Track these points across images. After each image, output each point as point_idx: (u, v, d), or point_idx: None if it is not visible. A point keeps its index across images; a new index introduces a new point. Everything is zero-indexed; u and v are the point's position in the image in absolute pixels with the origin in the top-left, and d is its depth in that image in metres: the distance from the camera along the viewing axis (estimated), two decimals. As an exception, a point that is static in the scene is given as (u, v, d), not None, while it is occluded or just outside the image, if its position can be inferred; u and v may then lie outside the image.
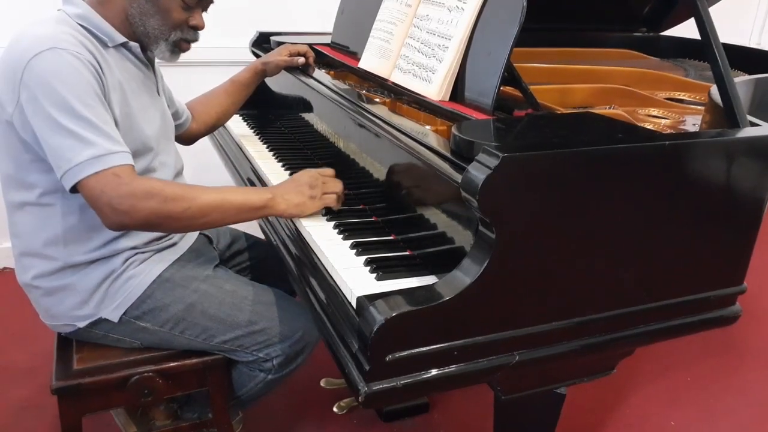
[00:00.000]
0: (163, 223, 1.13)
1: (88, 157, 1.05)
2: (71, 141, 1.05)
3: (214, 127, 1.68)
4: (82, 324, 1.24)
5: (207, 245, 1.47)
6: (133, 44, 1.23)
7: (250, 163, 1.64)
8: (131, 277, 1.23)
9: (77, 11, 1.16)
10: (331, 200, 1.25)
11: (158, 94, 1.34)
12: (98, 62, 1.12)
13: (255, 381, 1.36)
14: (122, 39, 1.20)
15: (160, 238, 1.29)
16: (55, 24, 1.12)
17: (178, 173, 1.37)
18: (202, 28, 1.28)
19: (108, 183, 1.06)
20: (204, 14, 1.29)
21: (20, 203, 1.19)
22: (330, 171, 1.29)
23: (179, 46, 1.27)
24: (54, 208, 1.16)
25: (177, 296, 1.26)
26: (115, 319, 1.23)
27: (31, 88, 1.05)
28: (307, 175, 1.25)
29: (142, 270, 1.24)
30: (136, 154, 1.19)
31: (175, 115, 1.50)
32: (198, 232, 1.44)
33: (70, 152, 1.05)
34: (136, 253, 1.24)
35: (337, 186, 1.26)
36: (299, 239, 1.22)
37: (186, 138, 1.60)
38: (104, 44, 1.18)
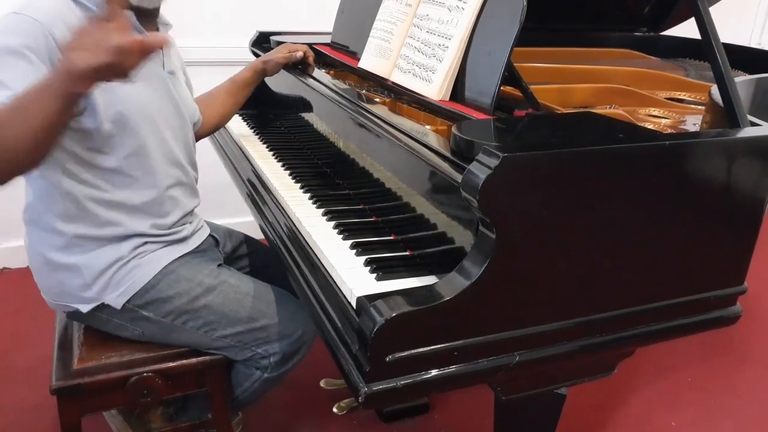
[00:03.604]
0: None
1: None
2: None
3: (216, 127, 1.68)
4: (84, 307, 1.24)
5: (213, 247, 1.47)
6: (128, 12, 1.10)
7: (250, 163, 1.64)
8: (137, 266, 1.24)
9: None
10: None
11: (163, 68, 1.29)
12: (68, 28, 1.03)
13: (251, 380, 1.36)
14: None
15: (171, 228, 1.29)
16: None
17: (185, 156, 1.34)
18: None
19: None
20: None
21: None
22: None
23: None
24: (54, 179, 1.16)
25: (181, 289, 1.27)
26: (118, 306, 1.24)
27: None
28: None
29: (148, 260, 1.25)
30: (123, 128, 1.16)
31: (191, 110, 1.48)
32: (208, 233, 1.44)
33: None
34: (146, 243, 1.25)
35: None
36: (299, 239, 1.22)
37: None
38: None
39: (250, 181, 1.57)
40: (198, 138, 1.62)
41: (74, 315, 1.30)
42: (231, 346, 1.30)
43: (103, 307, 1.25)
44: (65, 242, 1.21)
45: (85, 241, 1.21)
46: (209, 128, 1.64)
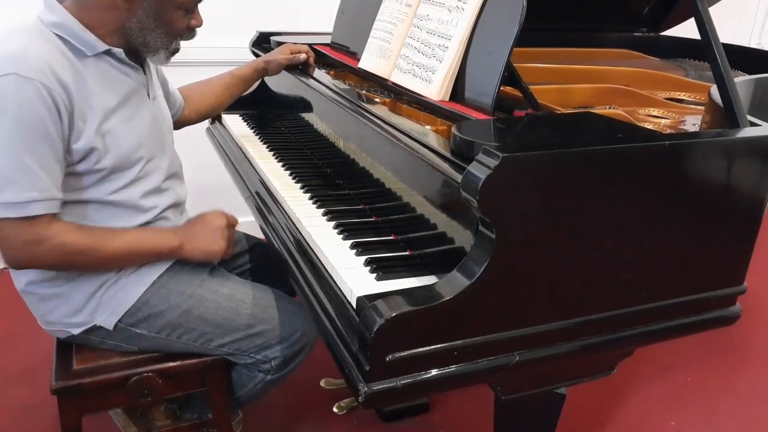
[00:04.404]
0: (66, 270, 1.17)
1: (7, 200, 1.03)
2: None
3: (205, 116, 1.66)
4: (76, 331, 1.23)
5: None
6: (117, 50, 1.16)
7: (250, 163, 1.64)
8: (125, 285, 1.22)
9: (54, 19, 1.10)
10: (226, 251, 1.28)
11: (148, 97, 1.27)
12: (68, 89, 1.06)
13: (254, 382, 1.36)
14: (104, 47, 1.13)
15: None
16: (28, 36, 1.07)
17: (172, 175, 1.32)
18: (201, 25, 1.24)
19: (20, 230, 1.05)
20: (201, 9, 1.25)
21: None
22: (234, 219, 1.33)
23: (177, 51, 1.25)
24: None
25: (172, 303, 1.25)
26: (110, 327, 1.22)
27: None
28: (215, 220, 1.27)
29: (135, 278, 1.23)
30: (119, 168, 1.17)
31: (169, 104, 1.46)
32: None
33: None
34: None
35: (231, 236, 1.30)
36: (299, 239, 1.22)
37: (175, 124, 1.52)
38: (82, 54, 1.11)
39: (253, 185, 1.56)
40: (184, 124, 1.60)
41: (68, 340, 1.28)
42: (230, 353, 1.29)
43: (95, 329, 1.23)
44: (50, 275, 1.19)
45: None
46: (198, 116, 1.62)
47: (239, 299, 1.30)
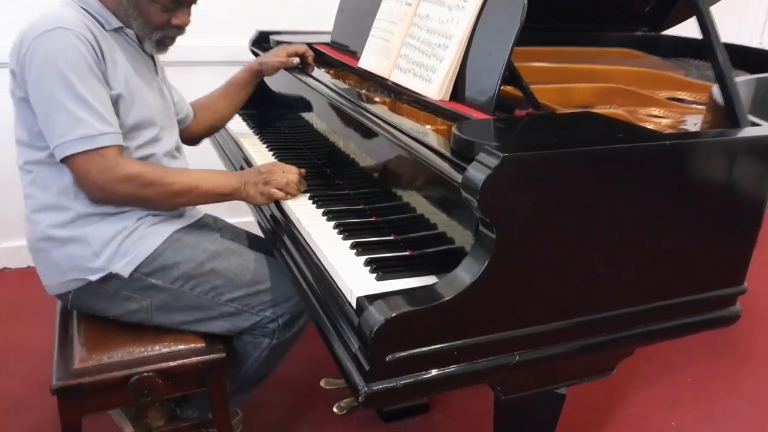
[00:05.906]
0: (139, 202, 1.27)
1: (79, 135, 1.14)
2: (65, 117, 1.14)
3: (213, 128, 1.70)
4: (93, 277, 1.26)
5: (211, 223, 1.55)
6: (129, 31, 1.29)
7: (249, 162, 1.64)
8: (143, 236, 1.28)
9: None
10: (278, 195, 1.33)
11: (157, 74, 1.40)
12: (99, 43, 1.19)
13: (260, 349, 1.38)
14: (118, 24, 1.27)
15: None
16: (61, 6, 1.21)
17: (180, 148, 1.44)
18: (186, 25, 1.32)
19: (94, 163, 1.17)
20: (197, 9, 1.32)
21: (31, 162, 1.24)
22: (290, 168, 1.36)
23: (163, 43, 1.33)
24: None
25: (187, 255, 1.30)
26: (126, 275, 1.26)
27: (34, 63, 1.13)
28: (267, 168, 1.35)
29: (153, 230, 1.29)
30: (141, 126, 1.28)
31: (176, 109, 1.53)
32: (203, 213, 1.51)
33: (63, 128, 1.14)
34: (148, 215, 1.30)
35: (281, 181, 1.32)
36: (299, 239, 1.22)
37: (187, 137, 1.61)
38: (103, 27, 1.24)
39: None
40: (196, 138, 1.67)
41: (79, 296, 1.30)
42: (239, 311, 1.32)
43: (111, 278, 1.26)
44: (71, 217, 1.24)
45: (90, 213, 1.25)
46: (206, 129, 1.67)
47: (249, 258, 1.37)
